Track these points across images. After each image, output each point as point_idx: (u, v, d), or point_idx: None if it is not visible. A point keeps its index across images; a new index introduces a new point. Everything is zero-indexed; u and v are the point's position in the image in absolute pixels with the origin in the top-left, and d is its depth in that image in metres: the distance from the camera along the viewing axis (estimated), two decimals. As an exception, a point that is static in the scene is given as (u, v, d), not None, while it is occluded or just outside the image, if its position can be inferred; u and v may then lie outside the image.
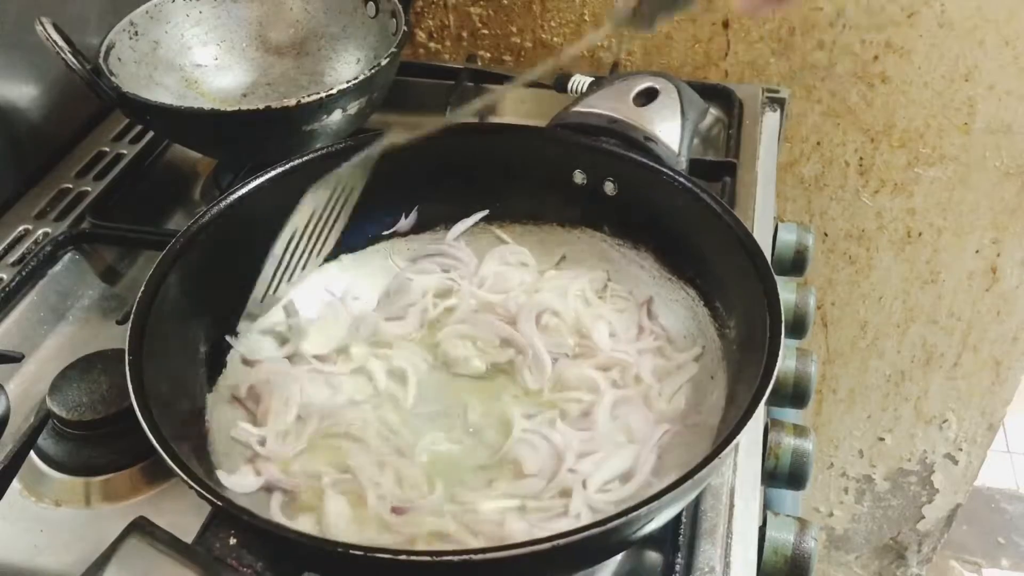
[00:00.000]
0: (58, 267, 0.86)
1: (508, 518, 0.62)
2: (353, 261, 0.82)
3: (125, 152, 1.02)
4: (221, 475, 0.64)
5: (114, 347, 0.73)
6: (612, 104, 0.84)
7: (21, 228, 0.92)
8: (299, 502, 0.64)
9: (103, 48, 0.92)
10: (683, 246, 0.76)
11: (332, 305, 0.79)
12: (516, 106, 1.11)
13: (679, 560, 0.63)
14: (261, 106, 0.84)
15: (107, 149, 1.02)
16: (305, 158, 0.76)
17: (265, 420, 0.69)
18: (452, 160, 0.81)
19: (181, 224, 0.72)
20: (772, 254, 0.94)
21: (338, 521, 0.62)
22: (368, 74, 0.88)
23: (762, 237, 0.91)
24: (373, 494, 0.63)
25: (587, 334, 0.75)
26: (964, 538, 2.10)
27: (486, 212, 0.83)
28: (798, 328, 0.89)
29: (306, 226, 0.71)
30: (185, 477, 0.53)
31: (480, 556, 0.50)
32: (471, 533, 0.61)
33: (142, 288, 0.64)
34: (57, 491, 0.69)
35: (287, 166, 0.75)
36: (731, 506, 0.68)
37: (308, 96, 0.85)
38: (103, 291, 0.88)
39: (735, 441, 0.55)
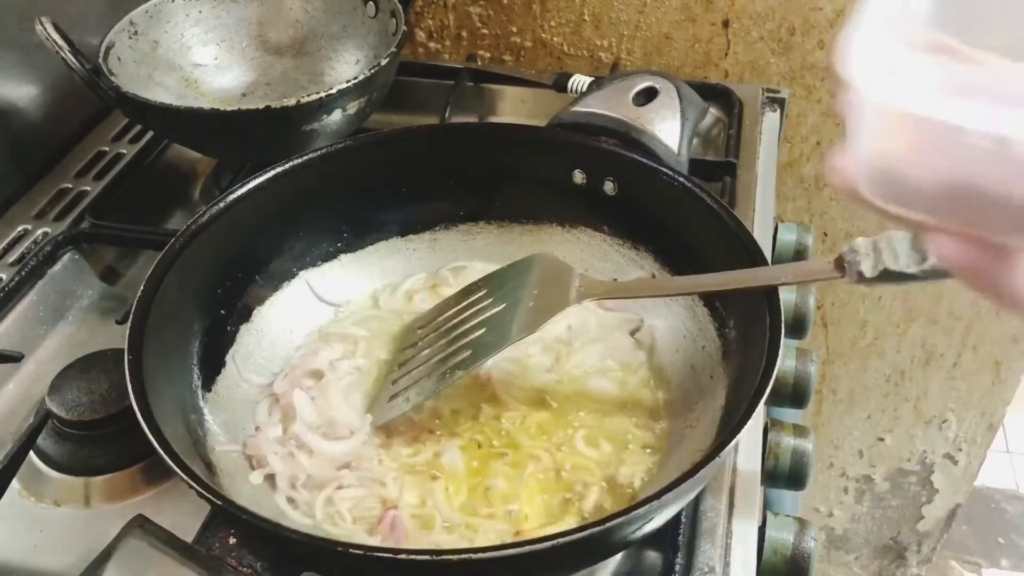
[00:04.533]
0: (58, 267, 0.86)
1: None
2: (353, 261, 0.82)
3: (125, 152, 1.02)
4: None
5: (114, 347, 0.73)
6: (611, 104, 0.84)
7: (21, 228, 0.92)
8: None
9: (103, 48, 0.92)
10: (683, 246, 0.75)
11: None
12: (516, 106, 1.11)
13: (679, 560, 0.63)
14: (261, 106, 0.84)
15: (107, 149, 1.02)
16: (305, 158, 0.76)
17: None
18: (451, 160, 0.81)
19: (181, 224, 0.72)
20: (772, 254, 0.94)
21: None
22: (368, 74, 0.88)
23: (762, 237, 0.91)
24: None
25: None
26: (964, 538, 2.10)
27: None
28: (798, 328, 0.89)
29: None
30: (185, 477, 0.53)
31: (480, 555, 0.50)
32: None
33: (141, 288, 0.64)
34: (57, 491, 0.69)
35: (287, 166, 0.75)
36: (731, 506, 0.68)
37: (308, 96, 0.85)
38: (103, 291, 0.88)
39: (735, 441, 0.55)
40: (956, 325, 1.44)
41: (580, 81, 1.01)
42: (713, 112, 1.04)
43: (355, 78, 0.87)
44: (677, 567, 0.62)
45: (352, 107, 0.89)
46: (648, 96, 0.85)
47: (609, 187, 0.78)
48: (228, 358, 0.73)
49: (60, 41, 0.85)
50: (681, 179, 0.74)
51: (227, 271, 0.74)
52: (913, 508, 1.71)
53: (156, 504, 0.69)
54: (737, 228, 0.68)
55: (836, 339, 1.50)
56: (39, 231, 0.91)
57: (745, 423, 0.55)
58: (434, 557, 0.51)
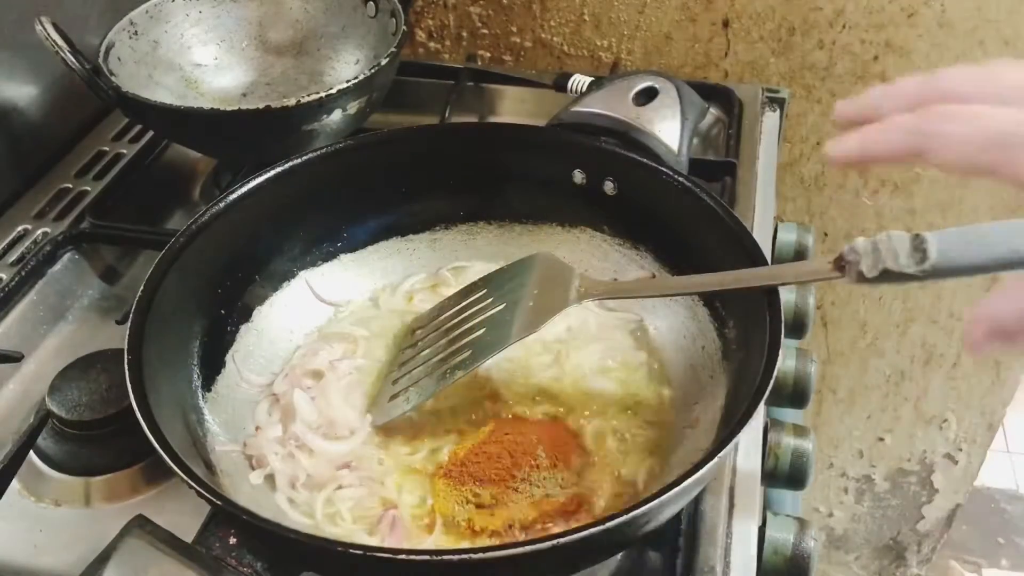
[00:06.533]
0: (58, 267, 0.86)
1: None
2: (353, 261, 0.82)
3: (125, 152, 1.02)
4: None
5: (114, 347, 0.73)
6: (612, 104, 0.84)
7: (21, 228, 0.92)
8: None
9: (103, 48, 0.92)
10: (683, 246, 0.76)
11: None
12: (516, 106, 1.11)
13: (679, 560, 0.63)
14: (261, 106, 0.84)
15: (107, 149, 1.02)
16: (305, 158, 0.76)
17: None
18: (451, 160, 0.81)
19: (181, 224, 0.72)
20: (772, 254, 0.94)
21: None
22: (368, 74, 0.88)
23: (762, 237, 0.91)
24: None
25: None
26: (964, 538, 2.10)
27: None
28: (798, 328, 0.89)
29: None
30: (185, 477, 0.53)
31: (479, 556, 0.50)
32: None
33: (141, 288, 0.64)
34: (57, 491, 0.69)
35: (287, 166, 0.75)
36: (731, 506, 0.68)
37: (308, 96, 0.85)
38: (103, 291, 0.88)
39: (735, 441, 0.55)
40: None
41: (580, 81, 1.01)
42: (713, 112, 1.04)
43: (355, 78, 0.87)
44: (677, 567, 0.62)
45: (352, 107, 0.89)
46: (648, 96, 0.85)
47: (609, 187, 0.78)
48: (228, 358, 0.73)
49: (60, 41, 0.85)
50: (681, 179, 0.74)
51: (227, 271, 0.74)
52: (913, 508, 1.71)
53: (156, 504, 0.69)
54: (737, 228, 0.68)
55: (836, 339, 1.50)
56: (39, 231, 0.91)
57: (745, 423, 0.55)
58: (434, 557, 0.51)
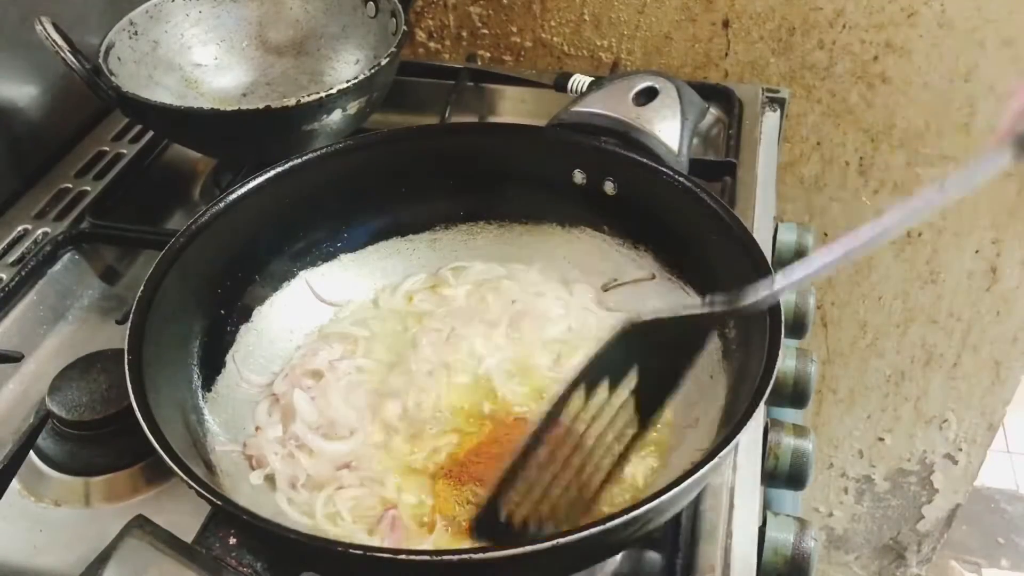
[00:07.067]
0: (58, 267, 0.86)
1: None
2: (353, 261, 0.82)
3: (125, 152, 1.02)
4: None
5: (114, 347, 0.73)
6: (612, 104, 0.84)
7: (21, 228, 0.92)
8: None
9: (103, 48, 0.92)
10: (683, 246, 0.76)
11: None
12: (516, 106, 1.11)
13: (679, 560, 0.63)
14: (261, 106, 0.84)
15: (107, 149, 1.02)
16: (305, 158, 0.76)
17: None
18: (452, 160, 0.81)
19: (181, 224, 0.72)
20: (772, 254, 0.94)
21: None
22: (368, 74, 0.88)
23: (762, 237, 0.91)
24: None
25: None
26: (964, 538, 2.10)
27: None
28: (798, 328, 0.89)
29: None
30: (185, 477, 0.53)
31: (479, 556, 0.50)
32: None
33: (141, 288, 0.64)
34: (57, 491, 0.69)
35: (287, 166, 0.75)
36: (731, 506, 0.68)
37: (308, 96, 0.85)
38: (103, 291, 0.88)
39: (735, 441, 0.55)
40: (956, 325, 1.44)
41: (580, 81, 1.01)
42: (713, 112, 1.04)
43: (355, 78, 0.87)
44: (677, 567, 0.62)
45: (352, 107, 0.89)
46: (648, 96, 0.85)
47: (609, 187, 0.78)
48: (228, 358, 0.73)
49: (60, 41, 0.85)
50: (681, 179, 0.74)
51: (227, 271, 0.74)
52: (913, 508, 1.71)
53: (156, 504, 0.69)
54: (737, 228, 0.68)
55: (836, 339, 1.50)
56: (39, 231, 0.91)
57: (745, 423, 0.55)
58: (434, 557, 0.51)
